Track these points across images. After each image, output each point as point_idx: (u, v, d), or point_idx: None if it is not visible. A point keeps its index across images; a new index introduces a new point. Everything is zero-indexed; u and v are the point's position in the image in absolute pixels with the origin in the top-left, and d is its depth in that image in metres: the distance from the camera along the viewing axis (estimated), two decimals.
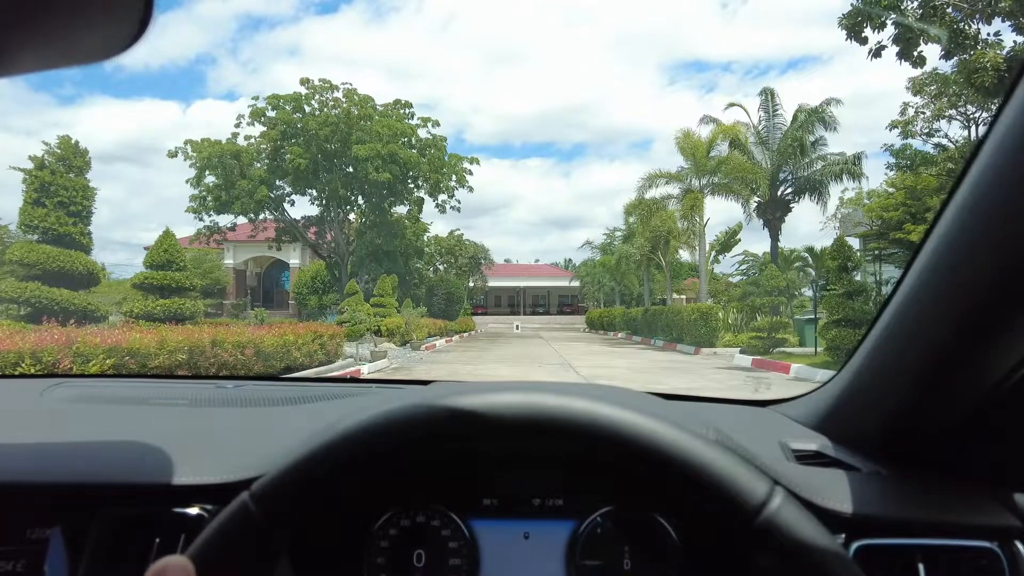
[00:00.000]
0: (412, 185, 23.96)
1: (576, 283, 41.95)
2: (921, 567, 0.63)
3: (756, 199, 19.96)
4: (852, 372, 0.79)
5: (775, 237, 21.21)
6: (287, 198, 24.75)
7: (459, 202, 24.86)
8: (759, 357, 11.81)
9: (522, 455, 0.72)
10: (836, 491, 0.67)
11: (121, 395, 1.21)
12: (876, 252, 16.14)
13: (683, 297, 33.26)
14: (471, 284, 36.94)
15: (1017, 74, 0.51)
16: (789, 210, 21.20)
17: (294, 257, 30.93)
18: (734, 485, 0.49)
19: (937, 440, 0.70)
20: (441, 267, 33.04)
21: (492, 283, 41.25)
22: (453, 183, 24.32)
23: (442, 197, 24.48)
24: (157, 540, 0.66)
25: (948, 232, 0.58)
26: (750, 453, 0.64)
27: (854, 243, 24.59)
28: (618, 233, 32.34)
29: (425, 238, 28.38)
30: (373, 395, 1.05)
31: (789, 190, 20.99)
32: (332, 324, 12.24)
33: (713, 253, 24.81)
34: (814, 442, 0.84)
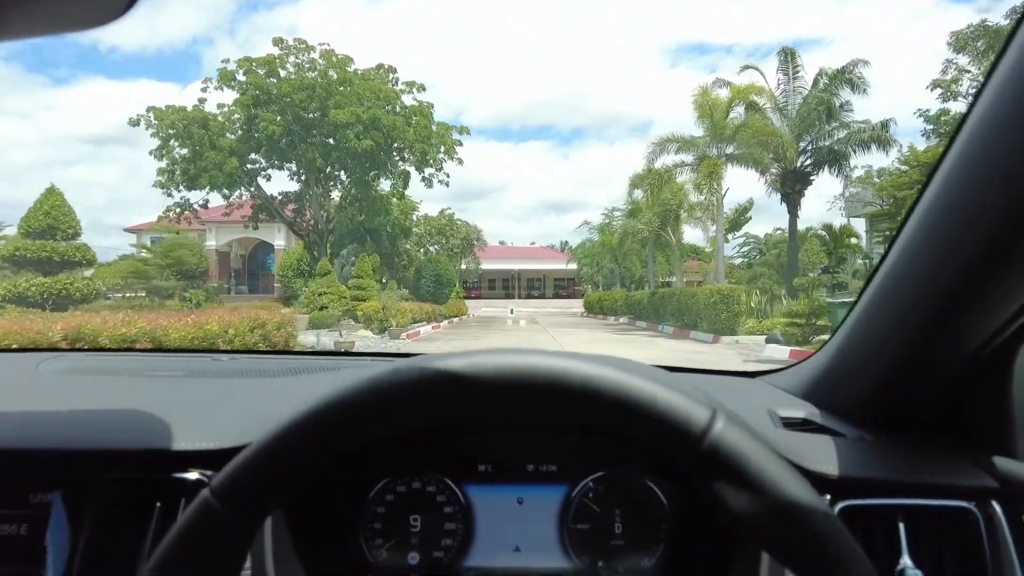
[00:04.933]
0: (397, 157, 21.93)
1: (573, 265, 40.17)
2: (902, 526, 0.65)
3: (775, 168, 17.82)
4: (840, 342, 0.82)
5: (793, 213, 19.34)
6: (263, 172, 22.81)
7: (447, 176, 22.81)
8: (798, 348, 9.91)
9: (514, 421, 0.74)
10: (822, 455, 0.69)
11: (117, 367, 1.21)
12: (887, 233, 14.58)
13: (683, 280, 31.59)
14: (463, 267, 35.08)
15: (1004, 44, 0.51)
16: (809, 183, 19.33)
17: (279, 238, 28.99)
18: (673, 414, 0.47)
19: (920, 406, 0.73)
20: (433, 248, 31.05)
21: (486, 266, 39.41)
22: (441, 155, 22.24)
23: (429, 171, 22.43)
24: (158, 504, 0.66)
25: (933, 202, 0.60)
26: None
27: (861, 224, 23.38)
28: (617, 213, 30.71)
29: (414, 217, 26.52)
30: (366, 367, 0.98)
31: (808, 161, 19.09)
32: (286, 311, 10.23)
33: (723, 233, 22.99)
34: (802, 410, 0.85)
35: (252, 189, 22.99)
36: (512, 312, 28.90)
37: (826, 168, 18.99)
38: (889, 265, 0.68)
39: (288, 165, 22.59)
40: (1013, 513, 0.66)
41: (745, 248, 33.93)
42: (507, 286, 49.73)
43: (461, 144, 22.56)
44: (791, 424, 0.81)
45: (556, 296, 48.97)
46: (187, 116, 20.80)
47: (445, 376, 0.49)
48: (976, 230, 0.55)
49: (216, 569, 0.49)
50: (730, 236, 24.68)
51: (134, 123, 21.08)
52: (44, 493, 0.68)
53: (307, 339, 9.61)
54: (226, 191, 22.19)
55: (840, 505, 0.65)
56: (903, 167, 17.88)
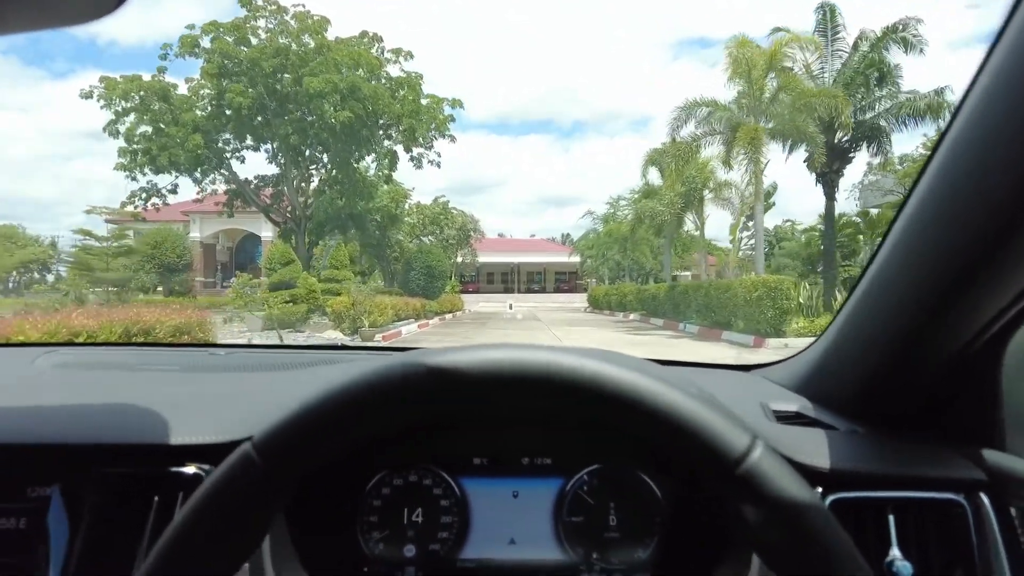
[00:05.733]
0: (382, 134, 19.49)
1: (575, 258, 37.85)
2: (891, 518, 0.66)
3: (822, 139, 15.24)
4: (832, 335, 0.82)
5: (831, 196, 16.94)
6: (236, 153, 20.41)
7: (439, 155, 20.37)
8: None
9: (511, 414, 0.73)
10: (814, 448, 0.70)
11: (114, 361, 1.23)
12: None
13: (688, 274, 29.24)
14: (460, 259, 32.76)
15: (1005, 21, 0.48)
16: (849, 161, 16.91)
17: (267, 229, 26.79)
18: (716, 436, 0.49)
19: (911, 399, 0.73)
20: (428, 239, 28.66)
21: (484, 259, 37.28)
22: (432, 132, 19.79)
23: (418, 150, 19.97)
24: (156, 498, 0.67)
25: (925, 196, 0.61)
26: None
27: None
28: (623, 202, 28.38)
29: (406, 206, 24.09)
30: (362, 361, 1.00)
31: (846, 137, 16.66)
32: (180, 311, 7.82)
33: (743, 220, 20.60)
34: (794, 403, 0.86)
35: (223, 172, 20.62)
36: (511, 308, 26.52)
37: (864, 146, 16.62)
38: (882, 259, 0.69)
39: (265, 146, 20.24)
40: (1001, 505, 0.66)
41: (753, 240, 31.74)
42: (506, 280, 47.74)
43: (453, 120, 20.12)
44: (783, 417, 0.82)
45: (557, 290, 47.21)
46: (143, 86, 18.35)
47: (488, 363, 0.49)
48: (967, 223, 0.55)
49: (245, 523, 0.49)
50: (745, 225, 22.15)
51: (86, 95, 18.65)
52: (42, 487, 0.69)
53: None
54: (197, 174, 19.86)
55: (831, 498, 0.66)
56: (928, 152, 15.73)
